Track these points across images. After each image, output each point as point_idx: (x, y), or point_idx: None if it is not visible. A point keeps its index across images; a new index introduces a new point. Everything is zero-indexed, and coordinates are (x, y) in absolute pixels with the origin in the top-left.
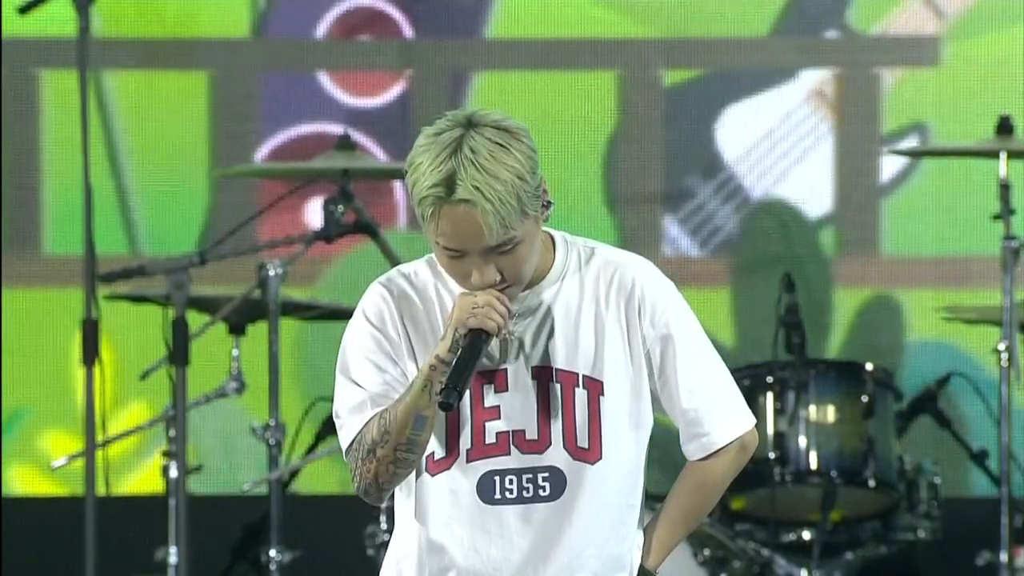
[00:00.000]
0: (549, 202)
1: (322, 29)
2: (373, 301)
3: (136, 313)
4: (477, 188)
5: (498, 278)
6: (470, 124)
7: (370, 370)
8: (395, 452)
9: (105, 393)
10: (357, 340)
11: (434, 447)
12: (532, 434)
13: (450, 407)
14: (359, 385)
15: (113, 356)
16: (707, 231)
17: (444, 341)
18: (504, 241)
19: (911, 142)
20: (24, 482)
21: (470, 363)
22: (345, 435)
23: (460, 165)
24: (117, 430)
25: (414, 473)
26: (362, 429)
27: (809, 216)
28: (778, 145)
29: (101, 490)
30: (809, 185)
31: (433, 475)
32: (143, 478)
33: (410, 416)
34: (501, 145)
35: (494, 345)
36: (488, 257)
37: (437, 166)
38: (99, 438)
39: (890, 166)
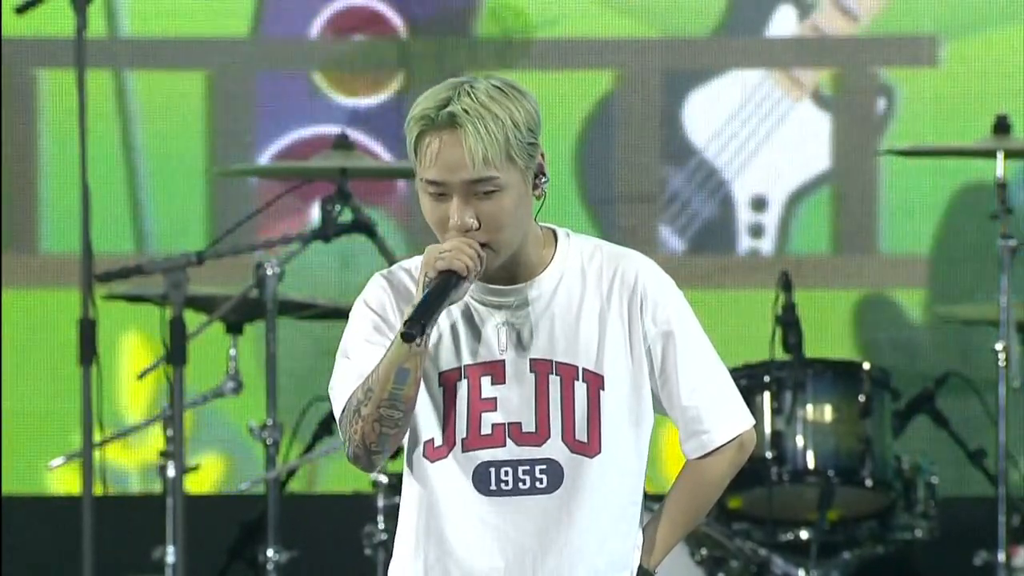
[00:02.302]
0: (545, 174)
1: (317, 29)
2: (374, 291)
3: (133, 313)
4: (465, 111)
5: (475, 223)
6: (483, 78)
7: (366, 348)
8: (378, 409)
9: (102, 392)
10: (356, 325)
11: (433, 434)
12: (529, 426)
13: (411, 338)
14: (353, 360)
15: (110, 356)
16: (684, 216)
17: (417, 290)
18: (485, 178)
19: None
20: (22, 481)
21: (436, 300)
22: (336, 406)
23: (456, 96)
24: (114, 429)
25: (416, 457)
26: (351, 395)
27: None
28: (746, 124)
29: (99, 489)
30: (777, 161)
31: (432, 462)
32: (140, 478)
33: (391, 370)
34: (502, 91)
35: (493, 337)
36: (468, 198)
37: (434, 96)
38: (97, 437)
39: (887, 165)
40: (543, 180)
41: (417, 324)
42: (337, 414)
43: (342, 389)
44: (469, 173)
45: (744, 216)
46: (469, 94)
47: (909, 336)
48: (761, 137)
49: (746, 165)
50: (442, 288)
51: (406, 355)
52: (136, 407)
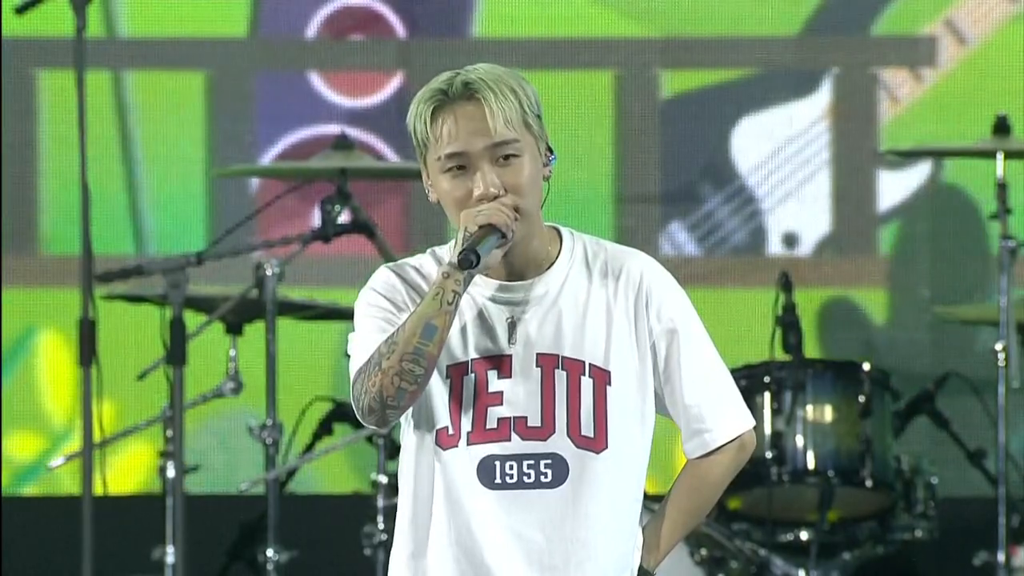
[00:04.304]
0: (552, 151)
1: (315, 29)
2: (383, 279)
3: (133, 313)
4: (481, 79)
5: (502, 191)
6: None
7: (382, 324)
8: (400, 363)
9: (102, 393)
10: (368, 309)
11: (446, 422)
12: (535, 421)
13: (469, 263)
14: (372, 329)
15: (110, 356)
16: (713, 238)
17: (455, 249)
18: (507, 140)
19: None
20: (22, 481)
21: (482, 241)
22: (355, 364)
23: (461, 74)
24: (114, 430)
25: (429, 442)
26: (373, 351)
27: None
28: (791, 159)
29: (98, 490)
30: (815, 198)
31: (444, 450)
32: (140, 478)
33: (419, 324)
34: (501, 70)
35: (501, 332)
36: (490, 163)
37: (436, 81)
38: (96, 438)
39: (890, 166)
40: (551, 157)
41: (472, 252)
42: (352, 376)
43: (364, 344)
44: (492, 137)
45: (773, 248)
46: (473, 71)
47: (909, 336)
48: (806, 175)
49: (785, 200)
50: (484, 237)
51: (435, 311)
52: (136, 408)
